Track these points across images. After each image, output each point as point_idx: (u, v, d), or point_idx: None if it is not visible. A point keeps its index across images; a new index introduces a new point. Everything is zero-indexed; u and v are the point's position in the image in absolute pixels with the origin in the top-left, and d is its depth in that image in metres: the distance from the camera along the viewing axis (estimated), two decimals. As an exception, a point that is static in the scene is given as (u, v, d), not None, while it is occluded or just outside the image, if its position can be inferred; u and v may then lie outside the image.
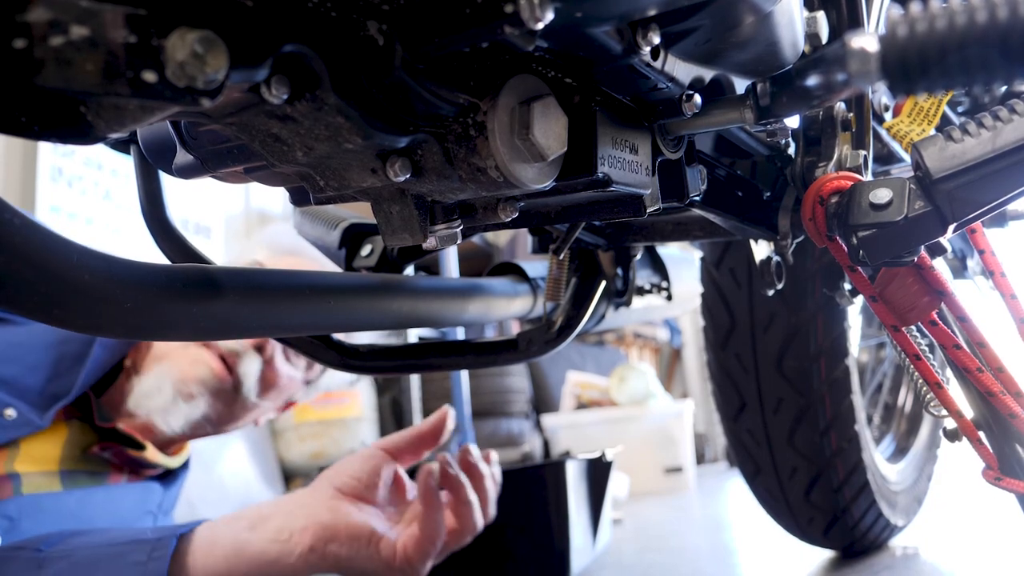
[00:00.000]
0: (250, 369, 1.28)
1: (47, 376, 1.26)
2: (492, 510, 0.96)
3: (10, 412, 1.19)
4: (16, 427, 1.19)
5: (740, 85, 0.56)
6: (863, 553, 1.28)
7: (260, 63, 0.35)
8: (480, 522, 0.92)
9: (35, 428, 1.20)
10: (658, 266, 1.09)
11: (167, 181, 0.73)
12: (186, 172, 0.52)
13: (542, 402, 3.82)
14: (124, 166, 2.60)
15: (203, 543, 0.84)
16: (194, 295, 0.51)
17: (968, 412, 0.73)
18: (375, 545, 0.85)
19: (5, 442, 1.18)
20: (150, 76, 0.31)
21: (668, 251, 1.12)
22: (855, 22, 0.73)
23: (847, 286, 0.87)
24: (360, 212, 0.87)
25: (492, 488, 0.96)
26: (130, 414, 1.33)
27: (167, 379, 1.31)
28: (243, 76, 0.35)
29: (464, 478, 0.92)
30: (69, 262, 0.44)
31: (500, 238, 3.75)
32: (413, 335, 2.30)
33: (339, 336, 0.80)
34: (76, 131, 0.34)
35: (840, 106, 0.71)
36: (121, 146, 0.69)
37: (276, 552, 0.82)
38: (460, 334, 2.61)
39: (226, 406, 1.28)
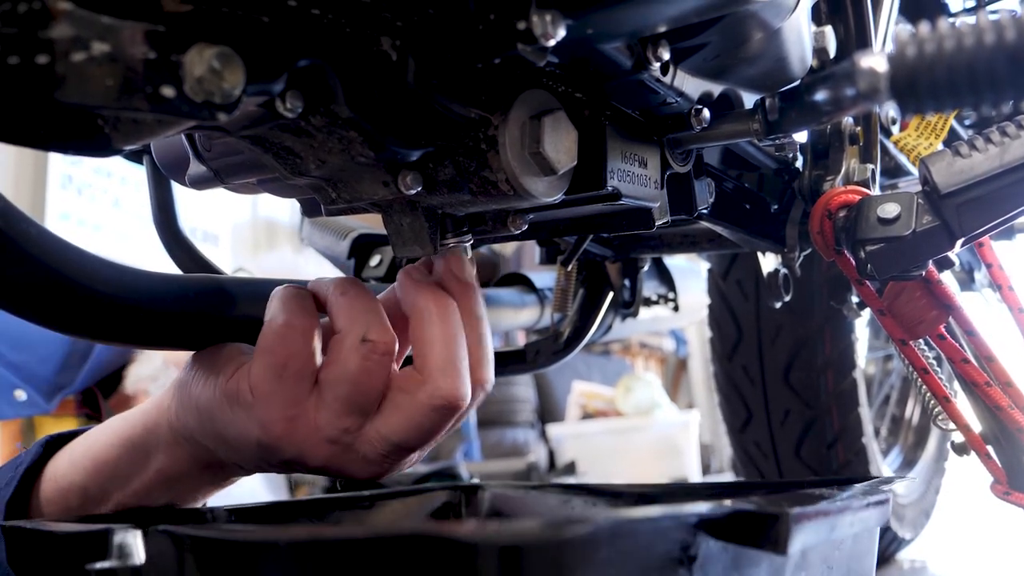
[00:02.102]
0: None
1: (56, 368, 1.46)
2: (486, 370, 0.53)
3: (20, 393, 1.39)
4: (25, 408, 1.39)
5: (749, 99, 0.56)
6: (870, 566, 1.27)
7: (276, 78, 0.36)
8: (451, 371, 0.49)
9: (41, 411, 1.40)
10: (665, 277, 1.09)
11: (177, 189, 0.74)
12: (199, 183, 0.53)
13: (547, 412, 3.81)
14: (133, 174, 2.61)
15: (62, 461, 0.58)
16: (206, 305, 0.51)
17: (976, 426, 0.72)
18: (223, 363, 0.51)
19: (12, 418, 1.37)
20: (168, 91, 0.31)
21: (675, 262, 1.12)
22: (862, 36, 0.74)
23: (854, 299, 0.87)
24: (368, 223, 0.88)
25: (479, 326, 0.52)
26: (130, 398, 1.55)
27: (158, 352, 1.47)
28: (259, 90, 0.35)
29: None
30: (83, 272, 0.45)
31: (506, 248, 3.75)
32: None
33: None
34: (94, 144, 0.35)
35: (848, 120, 0.71)
36: (134, 156, 0.70)
37: (130, 415, 0.56)
38: (466, 343, 2.61)
39: None
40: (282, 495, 2.42)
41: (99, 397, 1.54)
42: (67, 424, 1.48)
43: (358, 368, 0.47)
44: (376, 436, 0.49)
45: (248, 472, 0.55)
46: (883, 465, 1.30)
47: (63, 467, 0.57)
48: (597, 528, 0.30)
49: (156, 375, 1.55)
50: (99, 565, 0.35)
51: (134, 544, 0.36)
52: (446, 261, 0.51)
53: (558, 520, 0.29)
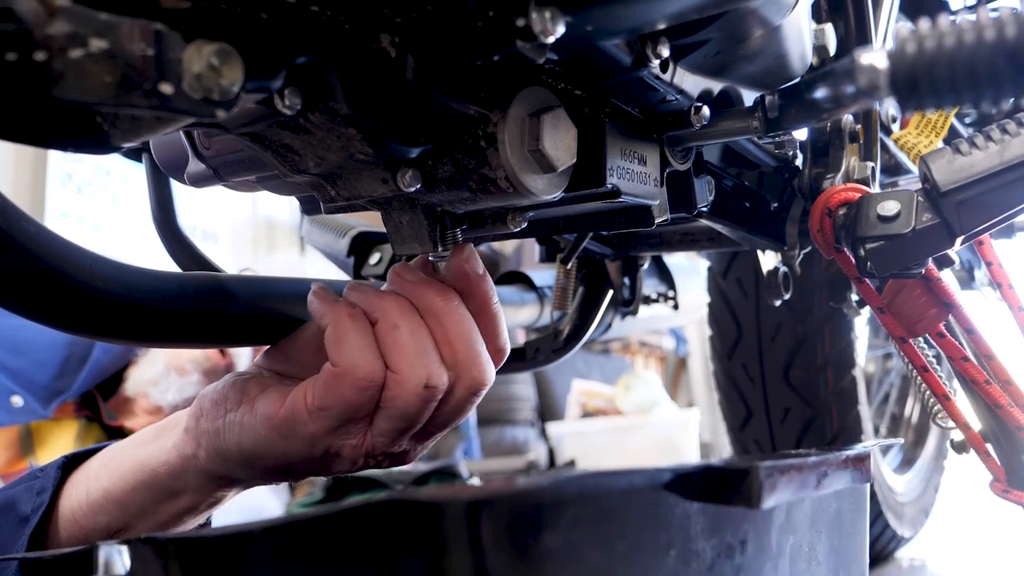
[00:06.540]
0: (243, 350, 1.34)
1: (54, 373, 1.45)
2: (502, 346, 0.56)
3: (17, 400, 1.38)
4: (21, 414, 1.38)
5: (748, 97, 0.56)
6: (869, 564, 1.27)
7: (274, 75, 0.36)
8: (479, 362, 0.52)
9: (39, 417, 1.39)
10: (665, 275, 1.09)
11: (176, 187, 0.74)
12: (198, 181, 0.53)
13: (547, 410, 3.81)
14: (132, 172, 2.61)
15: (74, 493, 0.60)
16: (205, 302, 0.51)
17: (976, 424, 0.73)
18: (251, 401, 0.53)
19: (9, 425, 1.36)
20: (167, 88, 0.31)
21: (675, 260, 1.12)
22: (863, 34, 0.74)
23: (854, 297, 0.87)
24: (368, 221, 0.87)
25: (497, 315, 0.55)
26: (129, 400, 1.53)
27: (161, 356, 1.51)
28: (257, 87, 0.35)
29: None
30: (82, 269, 0.45)
31: (506, 246, 3.75)
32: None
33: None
34: (92, 141, 0.35)
35: (848, 118, 0.71)
36: (133, 154, 0.70)
37: (145, 460, 0.57)
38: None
39: None
40: (282, 494, 2.42)
41: (99, 400, 1.53)
42: (66, 428, 1.45)
43: (417, 411, 0.51)
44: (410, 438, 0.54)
45: (277, 483, 0.60)
46: (882, 463, 1.30)
47: (81, 510, 0.58)
48: (560, 484, 0.29)
49: (157, 379, 1.53)
50: None
51: (119, 558, 0.36)
52: (457, 255, 0.52)
53: (519, 478, 0.29)
